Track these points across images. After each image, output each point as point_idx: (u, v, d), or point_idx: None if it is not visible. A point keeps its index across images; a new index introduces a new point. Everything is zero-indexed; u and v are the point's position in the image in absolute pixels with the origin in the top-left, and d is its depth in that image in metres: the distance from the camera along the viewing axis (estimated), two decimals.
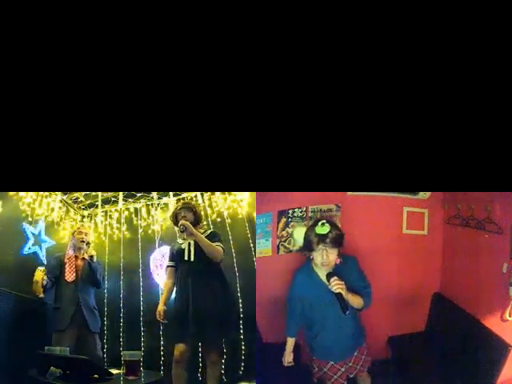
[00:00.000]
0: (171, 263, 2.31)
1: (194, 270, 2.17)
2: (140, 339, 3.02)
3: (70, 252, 2.73)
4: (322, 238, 1.65)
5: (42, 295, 2.51)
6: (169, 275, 2.31)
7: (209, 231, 2.33)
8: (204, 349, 2.17)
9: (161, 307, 2.22)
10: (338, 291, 1.63)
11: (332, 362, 1.84)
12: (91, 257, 2.69)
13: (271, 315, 2.29)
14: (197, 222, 2.31)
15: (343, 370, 1.85)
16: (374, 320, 2.08)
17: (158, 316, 2.21)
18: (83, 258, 2.70)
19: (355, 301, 1.71)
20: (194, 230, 2.20)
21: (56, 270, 2.65)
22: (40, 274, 2.51)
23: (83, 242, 2.71)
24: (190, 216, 2.28)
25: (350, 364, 1.85)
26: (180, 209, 2.30)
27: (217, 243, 2.23)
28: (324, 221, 1.68)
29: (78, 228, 2.81)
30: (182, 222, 2.19)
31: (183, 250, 2.21)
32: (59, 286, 2.63)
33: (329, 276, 1.67)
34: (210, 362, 2.15)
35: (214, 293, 2.16)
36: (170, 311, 2.20)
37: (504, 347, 1.70)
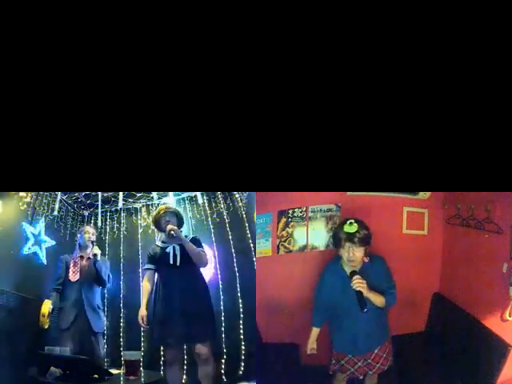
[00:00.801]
0: (151, 266, 2.30)
1: (179, 273, 2.18)
2: (140, 339, 3.02)
3: (77, 252, 2.74)
4: (349, 237, 1.72)
5: (46, 326, 2.52)
6: (148, 278, 2.29)
7: (191, 236, 2.33)
8: (193, 349, 2.17)
9: (144, 312, 2.22)
10: (358, 289, 1.69)
11: (350, 356, 1.88)
12: (95, 255, 2.70)
13: (271, 315, 2.30)
14: (180, 226, 2.32)
15: (360, 364, 1.87)
16: None
17: (140, 321, 2.21)
18: (89, 258, 2.72)
19: (377, 300, 1.75)
20: (182, 235, 2.21)
21: (62, 272, 2.67)
22: (47, 307, 2.53)
23: (89, 240, 2.73)
24: (174, 220, 2.29)
25: (370, 361, 1.87)
26: (164, 213, 2.30)
27: (200, 249, 2.25)
28: (352, 220, 1.75)
29: (86, 228, 2.84)
30: (170, 227, 2.19)
31: (167, 253, 2.21)
32: (65, 286, 2.65)
33: (352, 274, 1.73)
34: (200, 360, 2.16)
35: (199, 295, 2.19)
36: (155, 315, 2.20)
37: (504, 347, 1.70)
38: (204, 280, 2.31)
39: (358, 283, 1.69)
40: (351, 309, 1.77)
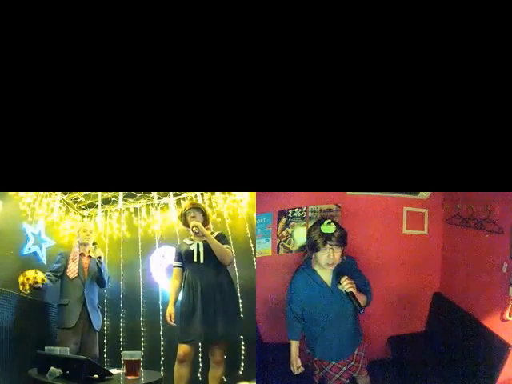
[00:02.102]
0: (178, 264, 2.30)
1: (203, 271, 2.18)
2: (140, 339, 3.02)
3: (76, 249, 2.74)
4: (328, 237, 1.63)
5: (23, 290, 2.42)
6: (176, 276, 2.29)
7: (216, 233, 2.32)
8: (210, 349, 2.17)
9: (171, 310, 2.21)
10: (350, 290, 1.63)
11: (334, 362, 1.84)
12: (99, 258, 2.70)
13: (271, 315, 2.30)
14: (206, 222, 2.32)
15: (345, 368, 1.84)
16: (374, 320, 2.09)
17: (168, 319, 2.20)
18: (89, 256, 2.72)
19: (362, 299, 1.71)
20: (206, 231, 2.20)
21: (61, 267, 2.65)
22: (39, 277, 2.44)
23: (88, 238, 2.73)
24: (199, 217, 2.29)
25: (353, 363, 1.84)
26: (189, 209, 2.30)
27: (226, 246, 2.23)
28: (329, 220, 1.67)
29: (83, 226, 2.86)
30: (194, 222, 2.19)
31: (192, 251, 2.20)
32: (65, 283, 2.63)
33: (339, 276, 1.67)
34: (214, 362, 2.16)
35: (223, 294, 2.17)
36: (178, 311, 2.21)
37: (504, 347, 1.70)
38: (229, 278, 2.28)
39: (349, 284, 1.63)
40: (329, 314, 1.75)
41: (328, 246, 1.64)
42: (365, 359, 1.87)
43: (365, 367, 1.88)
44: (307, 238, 1.76)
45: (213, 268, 2.18)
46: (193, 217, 2.26)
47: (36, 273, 2.45)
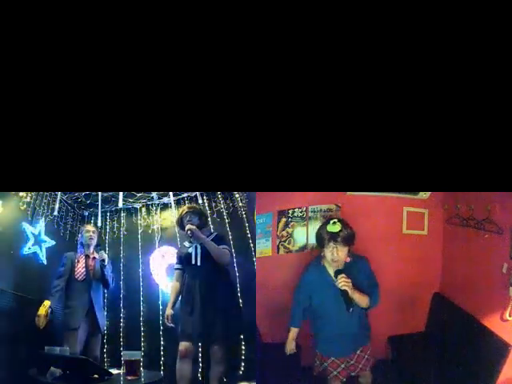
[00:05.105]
0: (179, 266, 2.35)
1: (201, 273, 2.20)
2: (140, 339, 3.02)
3: (80, 251, 2.74)
4: (332, 236, 1.71)
5: (42, 327, 2.51)
6: (176, 278, 2.34)
7: (214, 234, 2.35)
8: (210, 349, 2.18)
9: (169, 311, 2.25)
10: (343, 288, 1.69)
11: (333, 358, 1.86)
12: (103, 261, 2.70)
13: (271, 315, 2.30)
14: (202, 225, 2.33)
15: (343, 366, 1.86)
16: (374, 320, 2.08)
17: (166, 320, 2.24)
18: (94, 258, 2.72)
19: (361, 299, 1.74)
20: (201, 234, 2.21)
21: (67, 270, 2.65)
22: (44, 309, 2.52)
23: (91, 239, 2.73)
24: (195, 220, 2.31)
25: (352, 362, 1.86)
26: (186, 213, 2.33)
27: (223, 246, 2.25)
28: (336, 219, 1.75)
29: (85, 226, 2.87)
30: (188, 226, 2.21)
31: (190, 253, 2.22)
32: (71, 285, 2.63)
33: (337, 273, 1.73)
34: (214, 361, 2.16)
35: (222, 294, 2.19)
36: (178, 312, 2.23)
37: (504, 347, 1.70)
38: (229, 278, 2.32)
39: (344, 282, 1.68)
40: (333, 309, 1.78)
41: (332, 243, 1.71)
42: (367, 361, 1.89)
43: (365, 369, 1.89)
44: (316, 235, 1.84)
45: (210, 269, 2.20)
46: (188, 220, 2.28)
47: (44, 306, 2.51)
